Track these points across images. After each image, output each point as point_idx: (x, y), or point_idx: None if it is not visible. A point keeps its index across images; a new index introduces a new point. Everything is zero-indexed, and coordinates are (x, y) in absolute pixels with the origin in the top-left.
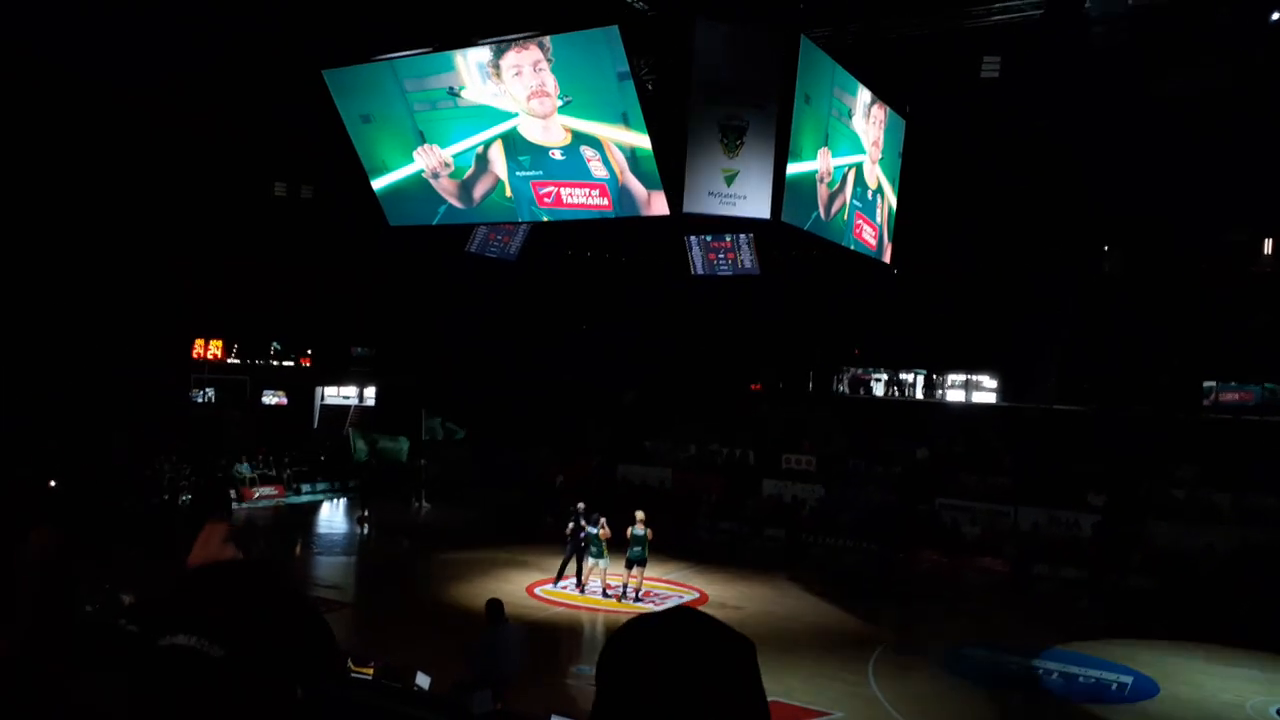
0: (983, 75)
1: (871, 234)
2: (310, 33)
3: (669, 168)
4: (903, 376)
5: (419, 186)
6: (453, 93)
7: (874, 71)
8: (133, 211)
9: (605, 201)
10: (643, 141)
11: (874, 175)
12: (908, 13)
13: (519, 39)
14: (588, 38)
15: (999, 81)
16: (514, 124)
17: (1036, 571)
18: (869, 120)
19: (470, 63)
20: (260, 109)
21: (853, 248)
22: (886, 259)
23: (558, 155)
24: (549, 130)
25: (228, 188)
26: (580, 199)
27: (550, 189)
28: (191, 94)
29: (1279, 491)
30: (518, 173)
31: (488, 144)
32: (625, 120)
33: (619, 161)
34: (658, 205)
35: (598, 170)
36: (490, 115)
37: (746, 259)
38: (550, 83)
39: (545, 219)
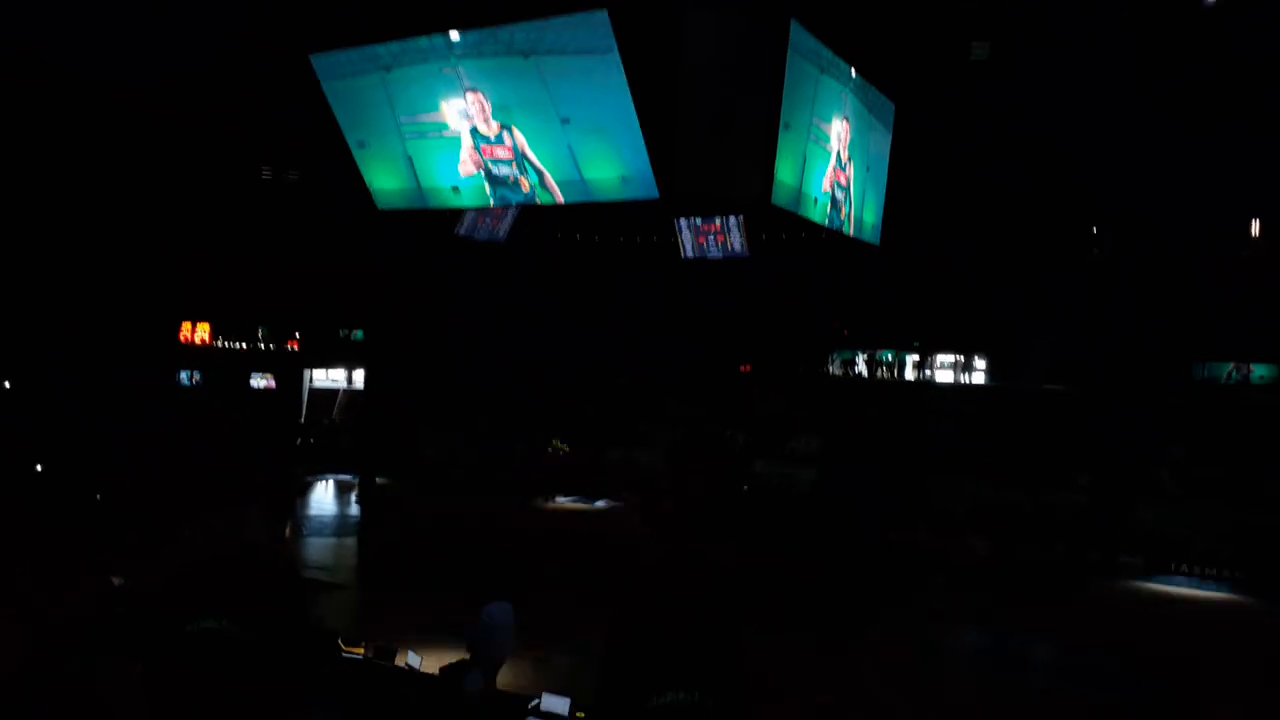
0: (972, 58)
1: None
2: (299, 18)
3: (659, 151)
4: (889, 358)
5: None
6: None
7: (861, 55)
8: (119, 195)
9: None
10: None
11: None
12: None
13: (505, 27)
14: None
15: (989, 64)
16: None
17: (1023, 551)
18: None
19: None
20: (248, 93)
21: (839, 228)
22: (864, 235)
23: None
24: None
25: (215, 171)
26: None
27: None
28: (179, 79)
29: (1270, 472)
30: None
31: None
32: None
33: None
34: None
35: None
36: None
37: (736, 242)
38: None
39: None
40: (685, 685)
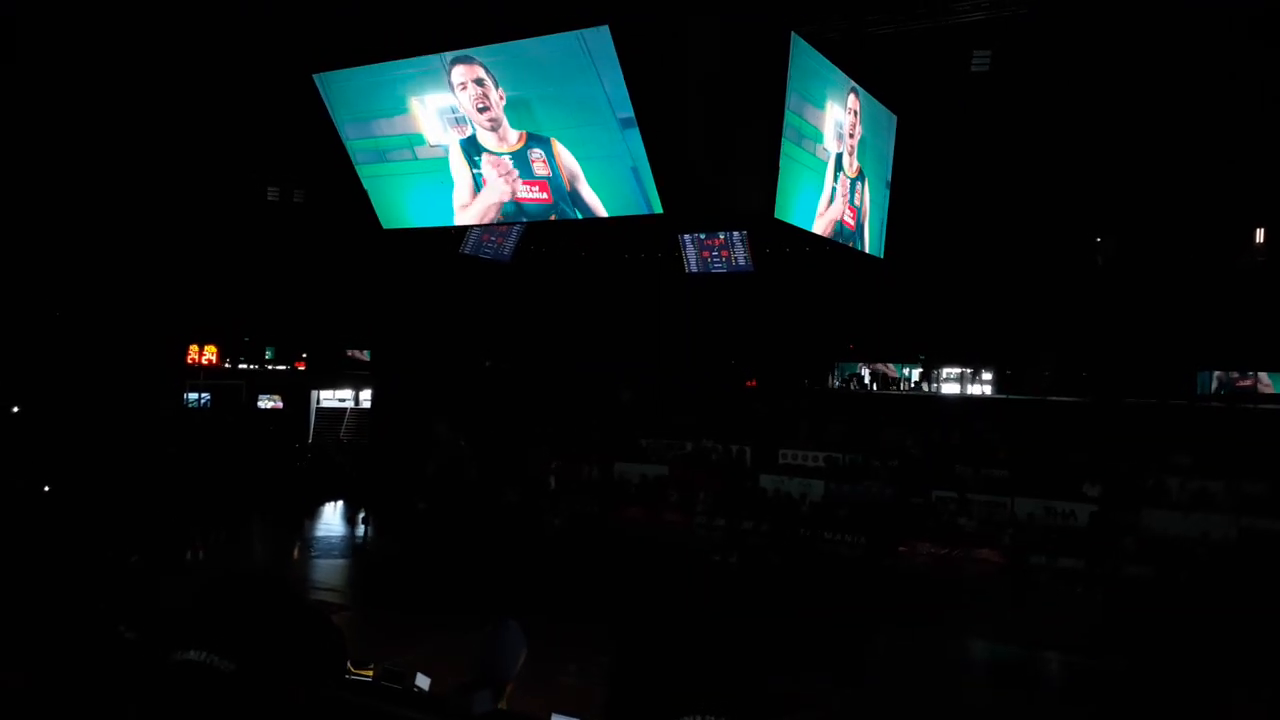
0: (973, 69)
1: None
2: (302, 35)
3: (663, 167)
4: (891, 371)
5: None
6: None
7: (862, 67)
8: (128, 217)
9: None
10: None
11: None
12: (896, 8)
13: (511, 44)
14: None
15: (991, 74)
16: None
17: (1034, 562)
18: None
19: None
20: (253, 112)
21: (841, 240)
22: (869, 249)
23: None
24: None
25: (221, 193)
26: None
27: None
28: (186, 97)
29: (1272, 478)
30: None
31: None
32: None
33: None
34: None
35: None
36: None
37: (740, 256)
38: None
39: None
40: (706, 707)
